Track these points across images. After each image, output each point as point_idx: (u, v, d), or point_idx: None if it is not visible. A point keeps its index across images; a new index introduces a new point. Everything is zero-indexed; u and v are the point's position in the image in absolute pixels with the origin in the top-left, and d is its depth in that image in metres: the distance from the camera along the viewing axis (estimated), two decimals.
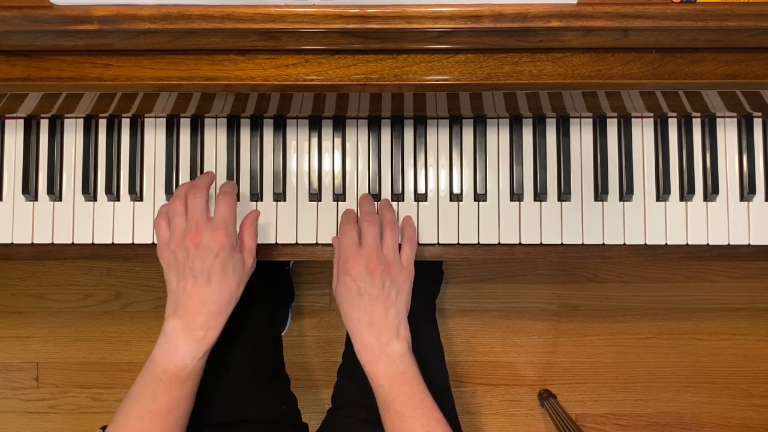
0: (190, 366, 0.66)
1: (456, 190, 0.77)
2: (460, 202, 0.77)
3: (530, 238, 0.77)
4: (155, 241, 0.77)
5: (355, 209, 0.77)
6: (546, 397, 1.41)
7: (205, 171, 0.78)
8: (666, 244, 0.77)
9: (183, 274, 0.66)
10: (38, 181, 0.78)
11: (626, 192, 0.76)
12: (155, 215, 0.77)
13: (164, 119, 0.78)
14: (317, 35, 0.59)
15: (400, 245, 0.73)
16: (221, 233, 0.65)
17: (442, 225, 0.77)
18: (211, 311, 0.66)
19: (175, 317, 0.66)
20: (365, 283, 0.68)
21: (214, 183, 0.74)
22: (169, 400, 0.65)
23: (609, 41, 0.60)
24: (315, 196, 0.78)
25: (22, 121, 0.77)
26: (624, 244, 0.77)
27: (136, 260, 0.79)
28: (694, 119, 0.77)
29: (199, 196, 0.67)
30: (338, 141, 0.78)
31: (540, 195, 0.77)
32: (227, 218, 0.67)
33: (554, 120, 0.77)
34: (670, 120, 0.77)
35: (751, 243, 0.77)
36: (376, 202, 0.76)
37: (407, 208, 0.78)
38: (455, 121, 0.77)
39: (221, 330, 0.68)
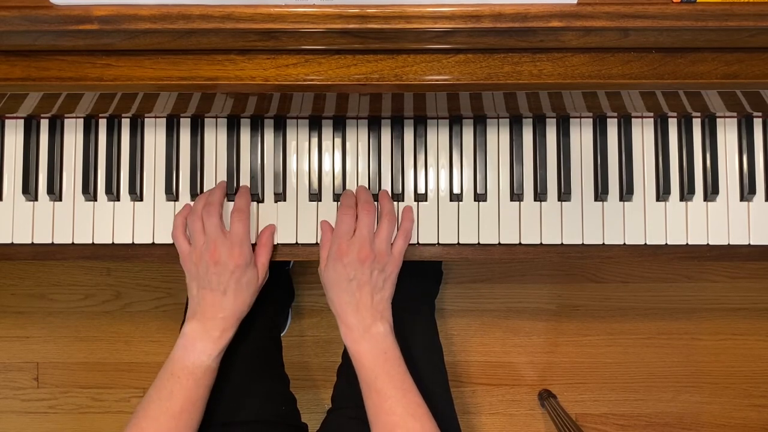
0: (206, 364, 0.70)
1: (456, 190, 0.77)
2: (460, 202, 0.77)
3: (530, 238, 0.77)
4: (155, 241, 0.77)
5: (355, 209, 0.77)
6: (546, 397, 1.41)
7: (205, 171, 0.78)
8: (666, 244, 0.77)
9: (202, 285, 0.72)
10: (38, 181, 0.78)
11: (626, 192, 0.76)
12: (155, 215, 0.77)
13: (164, 119, 0.78)
14: (317, 35, 0.59)
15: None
16: (236, 252, 0.71)
17: (442, 225, 0.77)
18: (225, 317, 0.72)
19: (194, 320, 0.72)
20: (355, 271, 0.71)
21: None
22: (184, 399, 0.69)
23: (609, 41, 0.60)
24: (315, 196, 0.78)
25: (22, 121, 0.77)
26: (624, 244, 0.77)
27: (136, 260, 0.79)
28: (694, 119, 0.77)
29: (213, 215, 0.72)
30: (338, 141, 0.78)
31: (540, 195, 0.77)
32: (242, 237, 0.72)
33: (554, 120, 0.77)
34: (670, 120, 0.77)
35: (751, 243, 0.77)
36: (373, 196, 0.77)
37: (410, 206, 0.77)
38: (455, 121, 0.77)
39: (233, 334, 0.73)
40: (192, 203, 0.77)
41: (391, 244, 0.74)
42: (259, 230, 0.77)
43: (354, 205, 0.74)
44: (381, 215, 0.74)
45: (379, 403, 0.69)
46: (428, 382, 0.82)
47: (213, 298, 0.71)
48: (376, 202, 0.76)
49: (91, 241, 0.78)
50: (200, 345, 0.70)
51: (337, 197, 0.78)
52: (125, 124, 0.78)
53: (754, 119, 0.77)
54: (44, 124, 0.78)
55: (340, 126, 0.78)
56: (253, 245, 0.75)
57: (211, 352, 0.71)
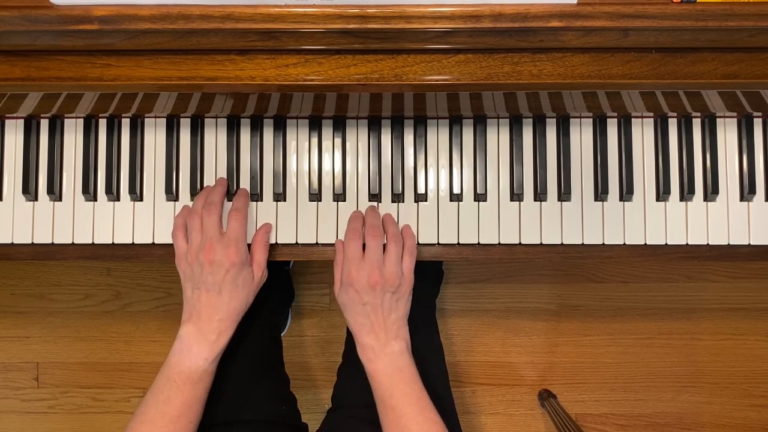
0: (202, 368, 0.70)
1: (456, 190, 0.77)
2: (460, 202, 0.77)
3: (530, 238, 0.77)
4: (155, 241, 0.77)
5: (356, 209, 0.77)
6: (546, 397, 1.41)
7: (205, 171, 0.78)
8: (666, 244, 0.77)
9: (197, 286, 0.71)
10: (38, 181, 0.78)
11: (626, 192, 0.76)
12: (155, 215, 0.77)
13: (164, 119, 0.78)
14: (317, 35, 0.59)
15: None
16: (232, 250, 0.70)
17: (442, 225, 0.77)
18: (221, 319, 0.71)
19: (189, 323, 0.71)
20: (368, 296, 0.71)
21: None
22: (181, 403, 0.68)
23: (609, 41, 0.60)
24: (315, 196, 0.78)
25: (22, 121, 0.77)
26: (624, 244, 0.77)
27: (136, 260, 0.79)
28: (694, 119, 0.77)
29: (213, 213, 0.72)
30: (338, 141, 0.78)
31: (540, 195, 0.77)
32: (238, 235, 0.71)
33: (554, 120, 0.77)
34: (670, 120, 0.77)
35: (751, 243, 0.77)
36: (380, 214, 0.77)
37: (407, 208, 0.78)
38: (455, 121, 0.77)
39: (231, 335, 0.72)
40: (192, 204, 0.76)
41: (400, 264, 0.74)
42: (268, 245, 0.76)
43: (360, 228, 0.74)
44: (387, 239, 0.74)
45: (394, 420, 0.68)
46: (429, 382, 0.83)
47: (208, 299, 0.71)
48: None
49: (91, 241, 0.78)
50: (196, 349, 0.70)
51: (337, 197, 0.78)
52: (125, 124, 0.78)
53: (754, 119, 0.77)
54: (44, 124, 0.78)
55: (340, 126, 0.78)
56: (249, 245, 0.75)
57: (208, 356, 0.70)
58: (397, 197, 0.78)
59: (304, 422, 0.90)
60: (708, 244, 0.77)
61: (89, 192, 0.77)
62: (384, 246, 0.73)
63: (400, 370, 0.70)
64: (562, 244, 0.77)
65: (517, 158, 0.77)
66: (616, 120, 0.77)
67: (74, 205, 0.78)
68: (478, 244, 0.77)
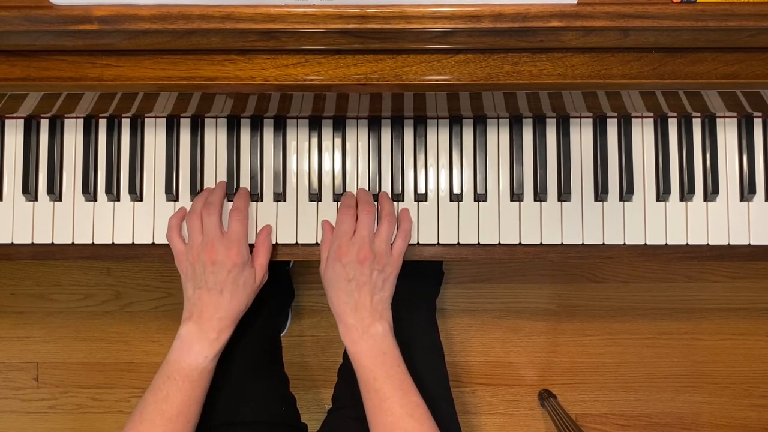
0: (202, 365, 0.70)
1: (456, 190, 0.77)
2: (460, 202, 0.77)
3: (530, 238, 0.77)
4: (155, 241, 0.77)
5: (355, 209, 0.77)
6: (546, 397, 1.41)
7: (205, 171, 0.78)
8: (666, 244, 0.77)
9: (199, 285, 0.71)
10: (38, 181, 0.78)
11: (626, 192, 0.76)
12: (155, 215, 0.77)
13: (164, 119, 0.78)
14: (317, 35, 0.59)
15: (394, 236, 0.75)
16: (234, 251, 0.71)
17: (442, 225, 0.77)
18: (222, 318, 0.71)
19: (190, 321, 0.71)
20: (354, 271, 0.71)
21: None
22: (180, 402, 0.68)
23: (609, 41, 0.60)
24: (315, 196, 0.78)
25: (22, 121, 0.77)
26: (624, 244, 0.77)
27: (136, 260, 0.79)
28: (694, 119, 0.77)
29: (213, 214, 0.72)
30: (338, 141, 0.78)
31: (540, 195, 0.77)
32: (240, 236, 0.72)
33: (554, 120, 0.77)
34: (670, 120, 0.77)
35: (751, 243, 0.77)
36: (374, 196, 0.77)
37: (407, 207, 0.77)
38: (455, 121, 0.77)
39: (231, 335, 0.72)
40: (190, 205, 0.76)
41: (391, 244, 0.74)
42: (271, 247, 0.77)
43: (354, 205, 0.74)
44: (381, 216, 0.74)
45: (377, 404, 0.69)
46: (428, 382, 0.83)
47: (209, 298, 0.71)
48: (375, 203, 0.76)
49: (91, 241, 0.78)
50: (197, 347, 0.70)
51: (337, 197, 0.78)
52: (125, 124, 0.78)
53: (754, 119, 0.77)
54: (44, 124, 0.78)
55: (340, 126, 0.78)
56: (252, 246, 0.75)
57: (208, 354, 0.70)
58: (397, 197, 0.78)
59: (304, 422, 0.90)
60: (708, 244, 0.77)
61: (89, 192, 0.77)
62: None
63: (384, 353, 0.70)
64: (562, 244, 0.77)
65: (517, 158, 0.77)
66: (616, 120, 0.77)
67: (74, 205, 0.78)
68: (478, 244, 0.77)
